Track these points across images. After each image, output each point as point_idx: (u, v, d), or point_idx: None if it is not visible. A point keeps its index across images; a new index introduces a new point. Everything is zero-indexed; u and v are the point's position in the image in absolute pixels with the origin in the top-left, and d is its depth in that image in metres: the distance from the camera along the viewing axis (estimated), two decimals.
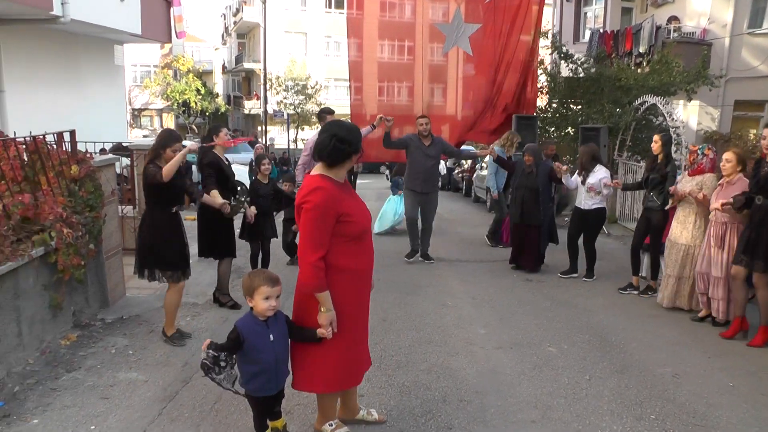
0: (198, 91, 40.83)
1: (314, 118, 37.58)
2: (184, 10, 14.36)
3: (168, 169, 5.09)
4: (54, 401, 4.29)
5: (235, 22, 46.01)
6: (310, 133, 37.23)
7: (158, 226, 5.32)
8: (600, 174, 7.98)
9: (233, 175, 6.64)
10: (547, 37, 12.23)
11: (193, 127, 41.87)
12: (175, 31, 13.93)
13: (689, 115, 17.02)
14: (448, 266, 8.82)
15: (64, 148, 6.03)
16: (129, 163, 8.79)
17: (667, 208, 7.01)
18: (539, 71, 12.70)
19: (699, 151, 6.58)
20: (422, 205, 9.00)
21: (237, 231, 6.86)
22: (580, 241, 8.22)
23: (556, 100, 14.38)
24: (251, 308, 3.42)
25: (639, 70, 14.69)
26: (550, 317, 6.49)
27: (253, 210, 6.83)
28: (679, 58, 13.64)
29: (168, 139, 5.28)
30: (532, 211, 8.44)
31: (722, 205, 5.74)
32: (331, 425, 3.79)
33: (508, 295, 7.39)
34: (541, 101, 14.53)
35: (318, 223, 3.34)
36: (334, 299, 3.43)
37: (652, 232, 7.35)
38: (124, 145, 9.35)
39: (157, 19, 12.73)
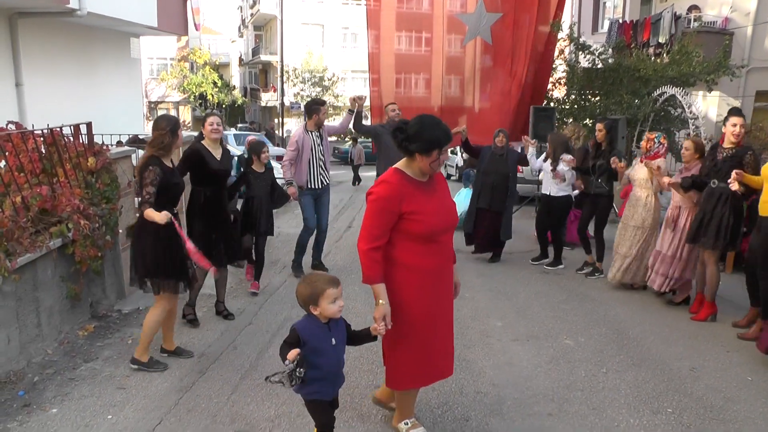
0: (215, 83, 40.93)
1: (330, 110, 37.69)
2: (201, 2, 14.38)
3: (150, 216, 4.37)
4: (72, 391, 4.33)
5: (251, 14, 46.03)
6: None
7: (153, 231, 4.54)
8: (562, 164, 8.07)
9: (224, 169, 5.76)
10: (562, 29, 12.08)
11: None
12: (194, 23, 13.94)
13: (709, 106, 16.81)
14: (464, 258, 8.78)
15: (81, 141, 6.07)
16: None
17: (619, 189, 7.52)
18: (558, 62, 12.59)
19: (655, 139, 6.92)
20: None
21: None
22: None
23: (575, 91, 14.25)
24: (307, 313, 3.19)
25: (658, 61, 14.52)
26: (566, 310, 6.45)
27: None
28: (699, 48, 13.44)
29: (175, 129, 4.73)
30: (501, 197, 8.33)
31: (669, 183, 6.29)
32: (406, 423, 3.74)
33: (524, 287, 7.35)
34: (559, 92, 14.42)
35: (376, 215, 3.32)
36: (397, 295, 3.36)
37: (598, 216, 7.84)
38: (140, 137, 9.39)
39: (173, 11, 12.75)
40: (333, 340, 3.20)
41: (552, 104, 12.31)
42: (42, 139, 5.65)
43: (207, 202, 5.60)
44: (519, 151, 8.93)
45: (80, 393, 4.31)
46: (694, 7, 17.65)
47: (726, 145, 5.96)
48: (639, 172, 7.04)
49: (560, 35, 12.52)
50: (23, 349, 4.66)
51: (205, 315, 5.99)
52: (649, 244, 6.95)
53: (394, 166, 3.45)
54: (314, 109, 7.54)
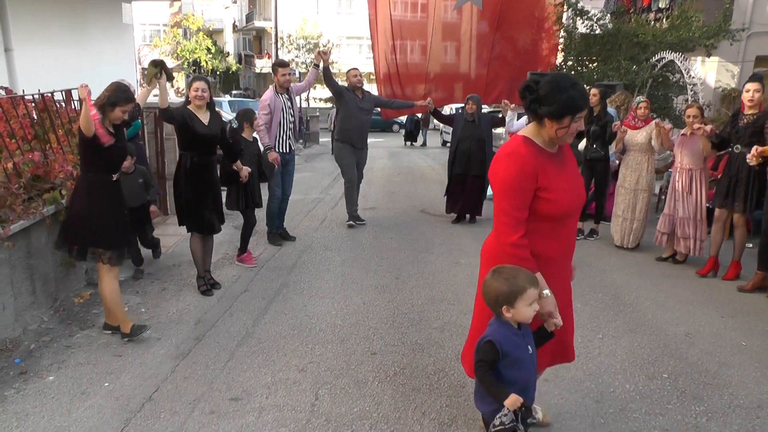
0: (208, 50, 40.56)
1: None
2: None
3: (84, 122, 4.16)
4: (69, 358, 4.33)
5: None
6: (316, 92, 37.01)
7: (93, 194, 4.38)
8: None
9: (211, 134, 5.55)
10: None
11: None
12: None
13: (707, 71, 16.64)
14: (461, 224, 8.77)
15: (72, 107, 5.99)
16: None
17: (614, 153, 7.80)
18: (555, 27, 12.43)
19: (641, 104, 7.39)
20: (357, 162, 8.60)
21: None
22: None
23: (572, 57, 14.11)
24: (498, 316, 2.75)
25: (657, 26, 14.35)
26: None
27: (246, 168, 6.16)
28: (699, 13, 13.28)
29: (118, 98, 4.35)
30: (479, 161, 8.44)
31: (704, 132, 6.26)
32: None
33: None
34: (557, 59, 14.27)
35: (511, 195, 2.82)
36: None
37: (598, 180, 8.02)
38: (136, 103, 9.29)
39: None
40: (529, 347, 2.76)
41: (550, 70, 12.16)
42: (33, 105, 5.58)
43: (193, 166, 5.48)
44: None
45: (77, 360, 4.31)
46: None
47: (747, 111, 6.08)
48: (638, 136, 7.26)
49: (558, 2, 12.34)
50: (19, 317, 4.65)
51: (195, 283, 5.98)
52: (649, 206, 7.45)
53: (521, 134, 2.95)
54: (273, 69, 7.43)
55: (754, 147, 5.63)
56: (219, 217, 5.79)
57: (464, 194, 8.70)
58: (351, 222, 8.56)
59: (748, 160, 5.73)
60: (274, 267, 6.64)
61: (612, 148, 7.86)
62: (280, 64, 7.47)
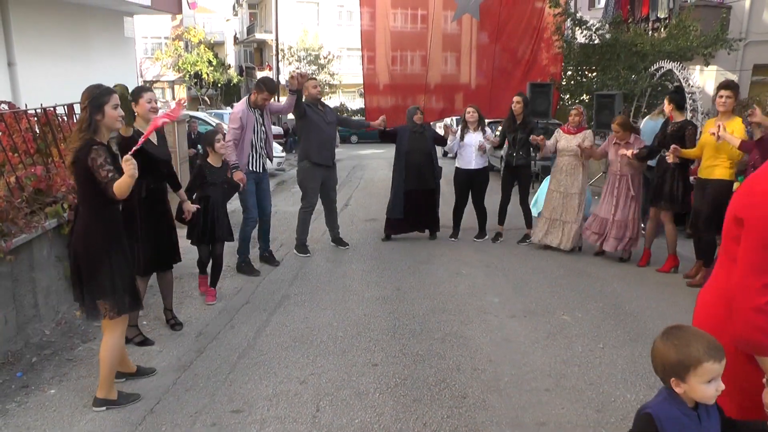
0: (210, 62, 40.63)
1: (327, 89, 37.47)
2: None
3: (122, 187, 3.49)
4: (70, 372, 4.34)
5: None
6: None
7: (91, 233, 3.66)
8: (487, 132, 8.35)
9: (165, 155, 4.88)
10: (559, 5, 11.97)
11: (206, 98, 41.76)
12: (187, 2, 13.81)
13: (706, 80, 16.71)
14: (461, 234, 8.77)
15: (75, 120, 6.03)
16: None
17: (538, 158, 8.43)
18: (555, 37, 12.49)
19: (584, 113, 7.86)
20: (325, 183, 7.78)
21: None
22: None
23: (571, 67, 14.17)
24: (668, 387, 2.06)
25: (656, 35, 14.41)
26: (563, 285, 6.46)
27: (192, 206, 5.38)
28: (697, 23, 13.35)
29: (100, 97, 3.60)
30: (429, 174, 8.25)
31: (632, 154, 6.98)
32: None
33: (521, 263, 7.36)
34: (555, 68, 14.32)
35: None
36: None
37: (524, 185, 8.37)
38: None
39: None
40: None
41: (550, 80, 12.20)
42: (36, 118, 5.61)
43: (150, 195, 4.72)
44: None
45: (78, 373, 4.32)
46: None
47: (674, 119, 6.95)
48: (573, 142, 7.66)
49: (557, 12, 12.40)
50: (20, 330, 4.66)
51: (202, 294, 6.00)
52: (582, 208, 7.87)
53: None
54: (256, 85, 6.85)
55: (672, 146, 6.43)
56: (174, 248, 5.03)
57: (421, 211, 8.39)
58: (297, 252, 7.72)
59: (666, 157, 6.61)
60: (276, 279, 6.65)
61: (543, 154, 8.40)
62: (263, 82, 6.85)
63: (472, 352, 4.73)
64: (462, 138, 8.29)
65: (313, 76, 36.19)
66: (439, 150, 8.97)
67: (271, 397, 4.00)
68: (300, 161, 7.77)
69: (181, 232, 5.32)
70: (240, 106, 6.76)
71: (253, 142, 6.72)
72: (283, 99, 7.53)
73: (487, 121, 8.69)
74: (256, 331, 5.13)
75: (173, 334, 5.06)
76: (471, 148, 8.18)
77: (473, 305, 5.83)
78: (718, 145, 6.09)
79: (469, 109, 8.41)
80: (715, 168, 6.29)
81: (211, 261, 5.91)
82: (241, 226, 6.87)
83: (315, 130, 7.50)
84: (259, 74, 42.36)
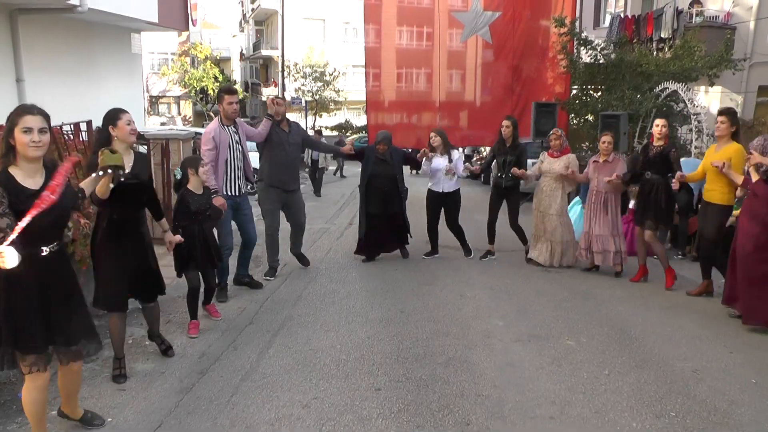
0: (216, 78, 40.79)
1: (332, 105, 37.60)
2: None
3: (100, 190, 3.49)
4: None
5: (252, 9, 45.87)
6: (323, 120, 37.16)
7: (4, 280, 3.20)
8: (455, 156, 8.50)
9: (135, 182, 4.34)
10: (565, 25, 11.99)
11: (211, 114, 41.89)
12: (191, 19, 13.90)
13: (711, 101, 16.72)
14: (455, 254, 8.73)
15: (81, 139, 6.05)
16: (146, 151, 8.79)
17: (526, 184, 8.68)
18: (560, 56, 12.52)
19: (563, 136, 8.13)
20: (289, 207, 7.49)
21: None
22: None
23: (576, 87, 14.19)
24: None
25: (660, 56, 14.44)
26: (568, 308, 6.42)
27: (175, 237, 4.96)
28: (701, 44, 13.39)
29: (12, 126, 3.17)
30: (394, 199, 8.18)
31: (616, 177, 7.33)
32: None
33: (525, 285, 7.33)
34: (560, 88, 14.34)
35: None
36: None
37: (513, 208, 8.45)
38: (140, 133, 9.35)
39: (174, 6, 12.69)
40: None
41: (555, 99, 12.21)
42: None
43: (112, 226, 4.35)
44: (525, 143, 8.91)
45: (80, 395, 4.28)
46: (696, 2, 17.59)
47: (655, 143, 7.14)
48: (555, 165, 7.97)
49: (562, 31, 12.44)
50: None
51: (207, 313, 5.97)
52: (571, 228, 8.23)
53: None
54: (218, 96, 6.49)
55: (678, 173, 6.70)
56: (155, 280, 4.71)
57: (385, 235, 8.35)
58: (267, 276, 7.40)
59: (672, 184, 6.75)
60: (279, 299, 6.63)
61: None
62: (226, 91, 6.49)
63: (476, 377, 4.69)
64: (430, 161, 8.34)
65: (319, 92, 36.51)
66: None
67: (274, 421, 3.97)
68: (258, 182, 7.43)
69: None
70: (212, 125, 6.43)
71: (229, 162, 6.36)
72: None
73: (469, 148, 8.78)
74: (259, 353, 5.10)
75: (175, 354, 5.02)
76: (440, 172, 8.25)
77: (477, 328, 5.80)
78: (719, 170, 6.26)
79: (432, 134, 8.47)
80: (715, 192, 6.51)
81: (203, 292, 5.69)
82: None
83: (276, 151, 7.14)
84: (265, 90, 42.72)
